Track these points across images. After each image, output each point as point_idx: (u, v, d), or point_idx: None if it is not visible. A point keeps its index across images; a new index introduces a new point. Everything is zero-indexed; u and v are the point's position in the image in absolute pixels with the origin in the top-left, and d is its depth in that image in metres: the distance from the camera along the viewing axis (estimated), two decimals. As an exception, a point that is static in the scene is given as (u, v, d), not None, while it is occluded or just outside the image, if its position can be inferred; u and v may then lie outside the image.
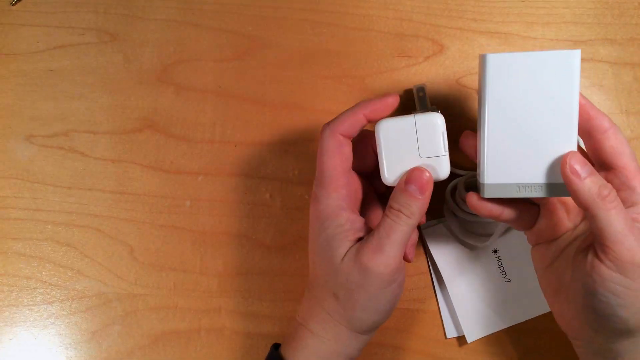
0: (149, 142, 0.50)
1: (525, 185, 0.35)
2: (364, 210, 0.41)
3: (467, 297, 0.46)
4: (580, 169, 0.33)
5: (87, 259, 0.48)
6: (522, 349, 0.46)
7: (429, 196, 0.36)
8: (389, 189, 0.44)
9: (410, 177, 0.36)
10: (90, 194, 0.49)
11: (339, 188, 0.37)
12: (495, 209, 0.37)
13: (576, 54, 0.34)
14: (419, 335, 0.47)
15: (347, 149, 0.37)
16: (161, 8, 0.51)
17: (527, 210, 0.38)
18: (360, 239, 0.37)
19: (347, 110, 0.38)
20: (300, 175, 0.49)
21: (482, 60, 0.35)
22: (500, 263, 0.46)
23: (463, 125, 0.48)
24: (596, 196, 0.32)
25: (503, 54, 0.34)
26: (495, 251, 0.47)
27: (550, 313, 0.46)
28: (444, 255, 0.47)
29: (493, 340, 0.46)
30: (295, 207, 0.48)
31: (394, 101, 0.37)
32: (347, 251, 0.36)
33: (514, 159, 0.35)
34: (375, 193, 0.43)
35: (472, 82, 0.49)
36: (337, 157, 0.37)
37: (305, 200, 0.48)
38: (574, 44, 0.49)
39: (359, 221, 0.37)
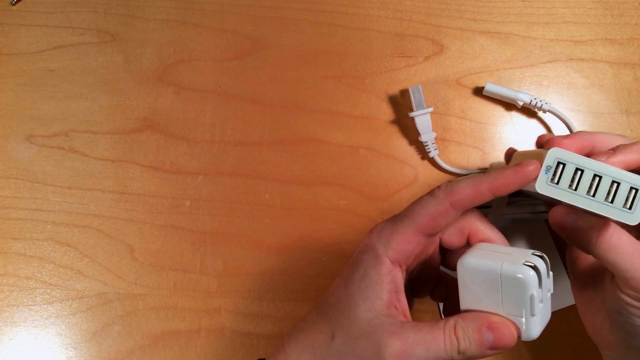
0: (149, 142, 0.50)
1: None
2: None
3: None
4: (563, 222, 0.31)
5: (87, 259, 0.48)
6: (521, 350, 0.46)
7: None
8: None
9: (494, 328, 0.29)
10: (90, 194, 0.49)
11: (407, 254, 0.32)
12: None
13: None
14: (419, 335, 0.47)
15: (444, 223, 0.31)
16: (161, 8, 0.51)
17: None
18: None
19: (471, 178, 0.30)
20: (300, 175, 0.49)
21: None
22: (500, 263, 0.46)
23: (464, 125, 0.48)
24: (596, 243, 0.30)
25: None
26: (495, 251, 0.46)
27: (550, 314, 0.46)
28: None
29: (493, 340, 0.46)
30: (295, 207, 0.48)
31: (534, 171, 0.29)
32: (391, 344, 0.30)
33: None
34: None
35: (471, 82, 0.49)
36: (432, 228, 0.32)
37: (305, 200, 0.48)
38: (574, 44, 0.49)
39: (405, 305, 0.32)
